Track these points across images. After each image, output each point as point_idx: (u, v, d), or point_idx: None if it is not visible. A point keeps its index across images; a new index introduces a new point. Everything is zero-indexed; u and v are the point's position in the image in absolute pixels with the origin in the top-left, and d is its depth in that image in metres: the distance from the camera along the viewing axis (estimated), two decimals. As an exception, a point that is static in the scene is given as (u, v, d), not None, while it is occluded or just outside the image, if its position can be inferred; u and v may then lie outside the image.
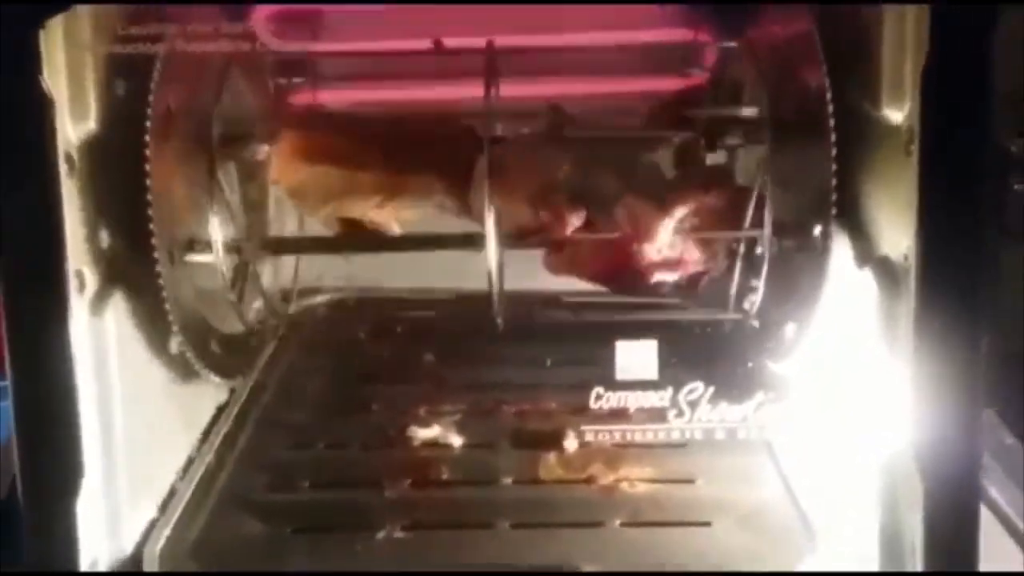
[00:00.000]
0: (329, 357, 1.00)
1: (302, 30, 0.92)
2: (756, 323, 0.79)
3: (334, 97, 0.97)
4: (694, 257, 0.76)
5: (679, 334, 0.76)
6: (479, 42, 0.81)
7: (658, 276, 0.75)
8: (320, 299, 1.07)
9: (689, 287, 0.79)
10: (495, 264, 0.71)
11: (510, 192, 0.74)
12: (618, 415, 0.71)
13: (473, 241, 0.73)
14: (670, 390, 0.65)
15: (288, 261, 1.00)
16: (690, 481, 0.74)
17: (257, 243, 0.84)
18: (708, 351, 0.88)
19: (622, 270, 0.75)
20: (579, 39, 0.92)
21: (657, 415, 0.68)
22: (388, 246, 0.82)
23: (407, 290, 1.06)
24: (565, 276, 0.79)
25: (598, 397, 0.66)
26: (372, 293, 1.07)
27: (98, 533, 0.61)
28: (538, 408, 0.86)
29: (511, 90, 0.77)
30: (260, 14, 0.87)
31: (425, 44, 0.90)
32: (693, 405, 0.64)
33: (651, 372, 0.65)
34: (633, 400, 0.66)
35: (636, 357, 0.65)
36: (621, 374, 0.65)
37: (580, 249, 0.77)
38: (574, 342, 0.95)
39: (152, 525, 0.68)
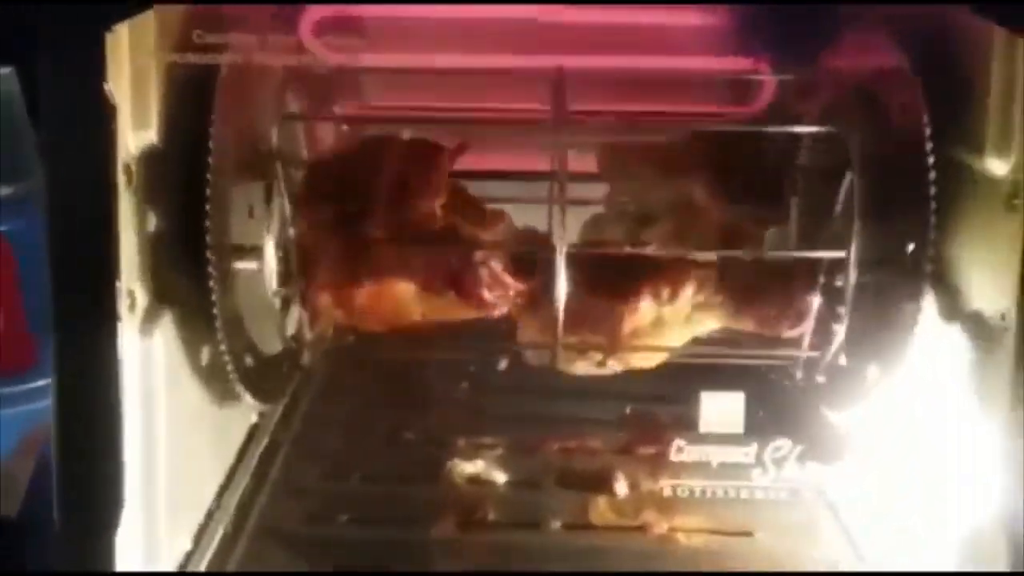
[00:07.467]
0: (358, 381, 0.95)
1: (348, 41, 0.89)
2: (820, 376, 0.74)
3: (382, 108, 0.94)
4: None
5: (746, 378, 0.71)
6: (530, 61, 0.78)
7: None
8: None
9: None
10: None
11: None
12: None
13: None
14: (755, 446, 0.61)
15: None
16: (748, 534, 0.71)
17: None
18: (776, 397, 0.83)
19: None
20: (622, 62, 0.89)
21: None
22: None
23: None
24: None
25: (679, 450, 0.62)
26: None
27: (135, 564, 0.57)
28: (583, 446, 0.83)
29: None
30: (305, 25, 0.85)
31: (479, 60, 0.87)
32: (778, 463, 0.61)
33: (737, 426, 0.61)
34: (716, 454, 0.62)
35: (722, 409, 0.61)
36: (705, 427, 0.62)
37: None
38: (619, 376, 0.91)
39: (188, 558, 0.65)
